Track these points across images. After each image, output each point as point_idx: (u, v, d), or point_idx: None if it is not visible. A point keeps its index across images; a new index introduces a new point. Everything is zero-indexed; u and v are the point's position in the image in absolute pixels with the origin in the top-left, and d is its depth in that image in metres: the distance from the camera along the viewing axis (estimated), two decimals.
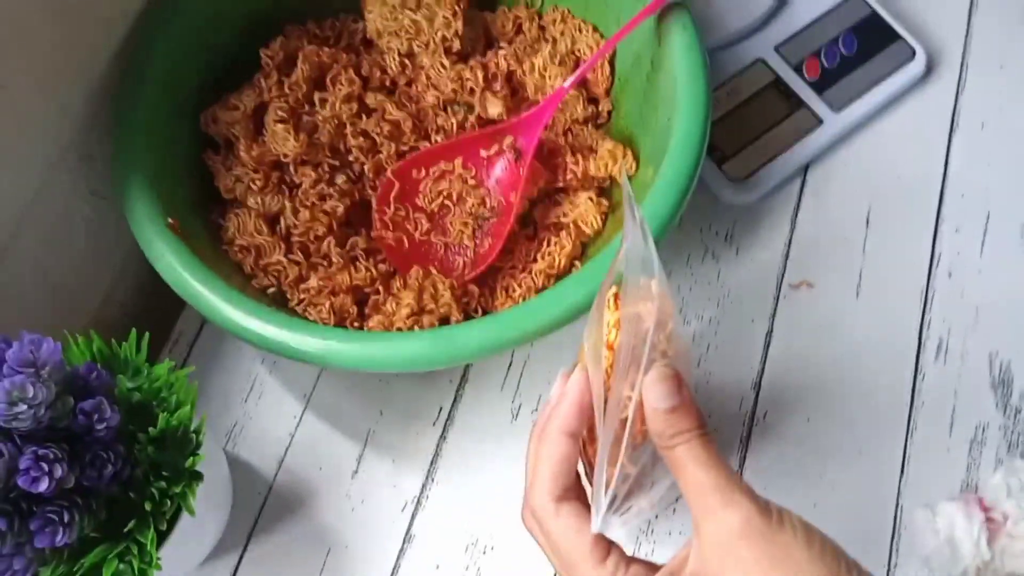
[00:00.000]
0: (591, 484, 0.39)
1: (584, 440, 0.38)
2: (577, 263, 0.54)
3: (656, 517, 0.54)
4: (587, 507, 0.37)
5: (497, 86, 0.57)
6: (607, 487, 0.35)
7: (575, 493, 0.37)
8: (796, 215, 0.62)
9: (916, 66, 0.64)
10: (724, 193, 0.61)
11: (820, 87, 0.63)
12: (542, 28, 0.60)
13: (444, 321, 0.52)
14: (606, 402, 0.36)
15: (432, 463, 0.55)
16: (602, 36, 0.59)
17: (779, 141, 0.62)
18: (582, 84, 0.59)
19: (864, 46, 0.64)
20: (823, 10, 0.65)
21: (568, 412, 0.37)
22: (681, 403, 0.35)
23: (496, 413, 0.57)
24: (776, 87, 0.64)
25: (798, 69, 0.64)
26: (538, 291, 0.53)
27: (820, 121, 0.62)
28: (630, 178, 0.55)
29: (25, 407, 0.36)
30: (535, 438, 0.39)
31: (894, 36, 0.65)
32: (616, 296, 0.37)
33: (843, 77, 0.64)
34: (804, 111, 0.63)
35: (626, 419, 0.35)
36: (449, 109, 0.58)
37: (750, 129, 0.62)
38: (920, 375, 0.57)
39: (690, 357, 0.57)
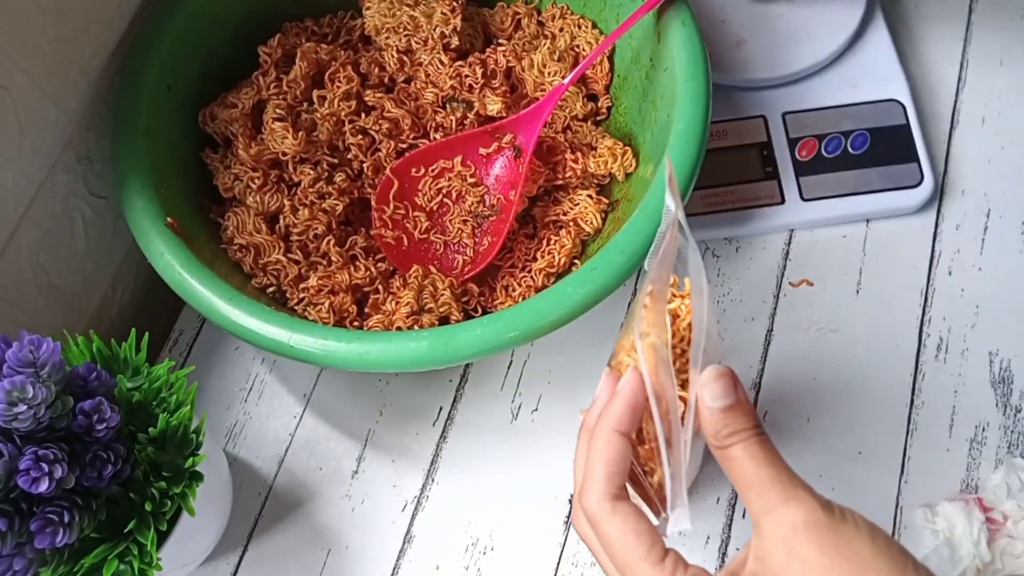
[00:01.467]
0: (633, 487, 0.39)
1: (632, 441, 0.38)
2: (577, 262, 0.54)
3: None
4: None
5: (496, 83, 0.57)
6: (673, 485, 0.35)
7: (627, 493, 0.36)
8: None
9: (916, 194, 0.59)
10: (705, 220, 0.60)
11: (803, 170, 0.60)
12: (541, 24, 0.60)
13: (444, 320, 0.51)
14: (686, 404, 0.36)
15: (432, 463, 0.55)
16: (601, 32, 0.59)
17: (742, 199, 0.60)
18: (581, 81, 0.59)
19: (875, 151, 0.60)
20: (857, 99, 0.60)
21: (621, 412, 0.36)
22: (737, 402, 0.35)
23: (496, 413, 0.56)
24: (761, 149, 0.60)
25: (793, 143, 0.60)
26: (538, 290, 0.53)
27: (782, 200, 0.59)
28: (629, 175, 0.55)
29: (25, 407, 0.36)
30: (583, 440, 0.38)
31: (912, 156, 0.60)
32: (669, 293, 0.38)
33: (833, 171, 0.59)
34: (771, 184, 0.59)
35: (681, 418, 0.35)
36: (448, 106, 0.57)
37: (720, 174, 0.60)
38: (920, 374, 0.57)
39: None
